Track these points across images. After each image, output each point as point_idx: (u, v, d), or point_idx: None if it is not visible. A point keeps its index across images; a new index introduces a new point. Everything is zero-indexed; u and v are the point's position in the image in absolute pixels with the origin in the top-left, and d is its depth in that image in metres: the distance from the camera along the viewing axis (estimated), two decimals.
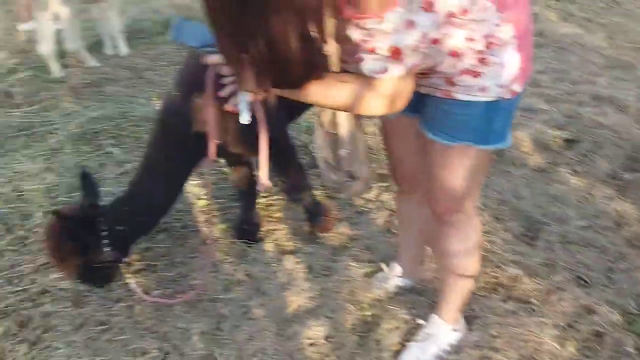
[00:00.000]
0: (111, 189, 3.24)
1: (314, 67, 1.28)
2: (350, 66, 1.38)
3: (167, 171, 2.37)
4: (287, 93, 1.42)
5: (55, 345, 2.29)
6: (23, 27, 6.40)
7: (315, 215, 2.75)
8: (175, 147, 2.30)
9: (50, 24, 4.97)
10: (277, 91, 1.41)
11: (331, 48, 1.36)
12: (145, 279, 2.62)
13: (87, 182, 2.38)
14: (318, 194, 3.08)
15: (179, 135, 2.25)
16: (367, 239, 2.73)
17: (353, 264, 2.57)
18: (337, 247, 2.72)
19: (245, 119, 1.76)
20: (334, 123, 1.97)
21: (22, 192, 3.33)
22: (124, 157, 3.61)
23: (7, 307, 2.50)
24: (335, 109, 1.58)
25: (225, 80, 1.56)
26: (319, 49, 1.24)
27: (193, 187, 3.24)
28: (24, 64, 5.33)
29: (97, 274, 2.37)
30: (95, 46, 5.83)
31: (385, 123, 1.93)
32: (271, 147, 2.11)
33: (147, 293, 2.45)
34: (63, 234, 2.20)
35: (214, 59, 1.55)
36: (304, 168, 2.74)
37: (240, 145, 2.32)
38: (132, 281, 2.41)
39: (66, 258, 2.23)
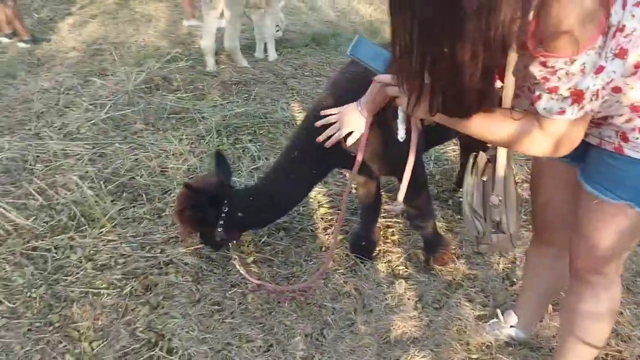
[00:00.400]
0: (242, 180, 3.44)
1: (488, 98, 1.28)
2: (522, 102, 1.36)
3: (299, 175, 2.47)
4: (450, 121, 1.42)
5: (172, 314, 2.46)
6: (188, 22, 7.07)
7: (433, 246, 2.71)
8: (315, 152, 2.38)
9: (215, 22, 5.40)
10: (440, 117, 1.42)
11: (508, 82, 1.36)
12: (260, 271, 2.73)
13: (221, 161, 2.62)
14: (441, 225, 3.04)
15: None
16: (484, 282, 2.64)
17: (466, 303, 2.50)
18: (451, 283, 2.65)
19: (401, 136, 1.81)
20: (487, 167, 1.93)
21: (165, 168, 3.63)
22: (258, 153, 3.80)
23: (136, 269, 2.73)
24: (494, 143, 1.56)
25: (395, 102, 1.60)
26: (495, 81, 1.24)
27: (317, 194, 3.34)
28: (184, 55, 5.82)
29: (207, 241, 2.65)
30: (247, 49, 6.24)
31: (539, 164, 1.87)
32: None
33: (258, 282, 2.56)
34: (188, 202, 2.45)
35: (384, 78, 1.60)
36: (432, 197, 2.72)
37: (383, 163, 2.37)
38: (241, 268, 2.58)
39: (184, 223, 2.50)
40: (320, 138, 2.20)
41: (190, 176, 3.52)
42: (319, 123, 2.22)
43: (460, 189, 3.00)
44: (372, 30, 7.25)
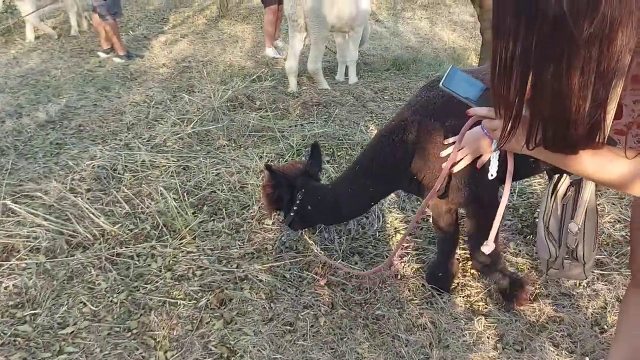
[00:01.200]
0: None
1: (596, 133, 1.19)
2: (629, 140, 1.27)
3: (359, 189, 2.54)
4: (551, 157, 1.33)
5: (245, 330, 2.46)
6: (270, 51, 7.17)
7: (507, 290, 2.55)
8: (376, 171, 2.47)
9: (300, 44, 5.51)
10: (539, 152, 1.33)
11: (610, 117, 1.27)
12: (333, 294, 2.70)
13: (315, 154, 2.79)
14: (524, 262, 2.89)
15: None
16: (570, 326, 2.47)
17: (551, 347, 2.35)
18: (535, 324, 2.50)
19: (492, 173, 1.73)
20: (569, 190, 1.82)
21: (245, 184, 3.69)
22: (335, 174, 3.80)
23: (212, 282, 2.77)
24: (603, 183, 1.45)
25: (493, 134, 1.53)
26: (604, 116, 1.16)
27: (394, 220, 3.28)
28: (268, 75, 5.96)
29: (286, 219, 2.75)
30: (328, 71, 6.32)
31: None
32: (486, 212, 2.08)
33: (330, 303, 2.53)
34: (271, 180, 2.66)
35: (480, 111, 1.55)
36: (501, 252, 2.61)
37: (460, 194, 2.29)
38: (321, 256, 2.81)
39: (264, 198, 2.73)
40: (447, 165, 2.16)
41: None
42: (444, 153, 2.20)
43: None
44: (454, 57, 7.16)
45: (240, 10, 9.74)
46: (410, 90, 5.57)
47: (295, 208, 2.62)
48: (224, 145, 4.30)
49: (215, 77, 6.01)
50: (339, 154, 4.12)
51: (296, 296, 2.67)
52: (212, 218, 3.36)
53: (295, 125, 4.66)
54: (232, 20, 9.09)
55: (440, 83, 1.59)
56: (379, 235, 3.13)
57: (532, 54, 1.07)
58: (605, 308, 2.58)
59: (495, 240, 2.41)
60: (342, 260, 2.91)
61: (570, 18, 0.96)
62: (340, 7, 5.40)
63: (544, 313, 2.56)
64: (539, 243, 2.03)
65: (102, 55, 7.17)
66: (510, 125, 1.25)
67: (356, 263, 2.92)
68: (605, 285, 2.70)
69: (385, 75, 6.32)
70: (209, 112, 4.73)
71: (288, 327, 2.50)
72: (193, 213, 3.39)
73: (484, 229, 2.31)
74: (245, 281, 2.77)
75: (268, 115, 4.85)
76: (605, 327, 2.47)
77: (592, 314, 2.56)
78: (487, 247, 1.90)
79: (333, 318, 2.54)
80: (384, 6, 10.47)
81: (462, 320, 2.51)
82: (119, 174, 3.85)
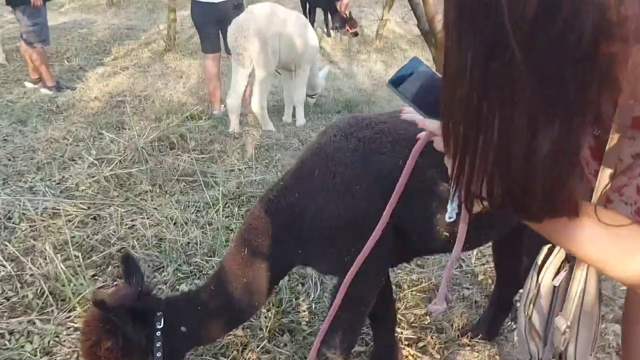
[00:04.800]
0: None
1: (571, 192, 0.78)
2: (620, 207, 0.86)
3: (261, 267, 1.88)
4: (519, 216, 0.89)
5: None
6: (216, 113, 6.08)
7: None
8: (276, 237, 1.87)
9: (244, 80, 5.06)
10: (506, 208, 0.89)
11: (601, 177, 0.91)
12: None
13: (131, 267, 1.86)
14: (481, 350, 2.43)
15: None
16: None
17: None
18: None
19: (449, 216, 1.26)
20: (563, 267, 1.36)
21: (162, 239, 3.13)
22: None
23: None
24: (580, 257, 1.01)
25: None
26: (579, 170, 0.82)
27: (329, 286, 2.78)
28: (206, 113, 5.47)
29: None
30: (275, 112, 5.88)
31: (636, 301, 1.30)
32: None
33: None
34: (103, 328, 1.67)
35: (430, 126, 1.08)
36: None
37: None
38: None
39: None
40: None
41: (188, 252, 3.01)
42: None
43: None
44: None
45: (189, 45, 9.29)
46: None
47: (158, 344, 1.74)
48: (147, 192, 3.74)
49: (150, 113, 5.47)
50: None
51: None
52: (115, 282, 2.77)
53: (232, 170, 4.15)
54: (179, 55, 8.61)
55: (389, 79, 1.12)
56: (315, 308, 2.61)
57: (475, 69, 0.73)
58: None
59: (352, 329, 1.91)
60: (268, 342, 2.37)
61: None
62: (287, 42, 5.00)
63: None
64: (518, 338, 1.55)
65: (29, 85, 6.53)
66: (464, 162, 0.84)
67: (285, 345, 2.39)
68: None
69: (335, 118, 5.92)
70: (132, 153, 4.17)
71: None
72: (93, 276, 2.80)
73: (344, 322, 1.85)
74: None
75: (202, 157, 4.34)
76: None
77: None
78: (436, 307, 1.39)
79: None
80: (338, 47, 10.23)
81: None
82: (13, 223, 3.23)
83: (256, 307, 2.04)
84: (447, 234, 1.80)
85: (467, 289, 2.82)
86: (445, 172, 0.95)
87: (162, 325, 1.74)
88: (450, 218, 1.24)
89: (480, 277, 2.93)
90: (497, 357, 2.33)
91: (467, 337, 2.42)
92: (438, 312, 1.35)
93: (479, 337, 2.42)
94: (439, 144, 1.06)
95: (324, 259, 1.88)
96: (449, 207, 1.23)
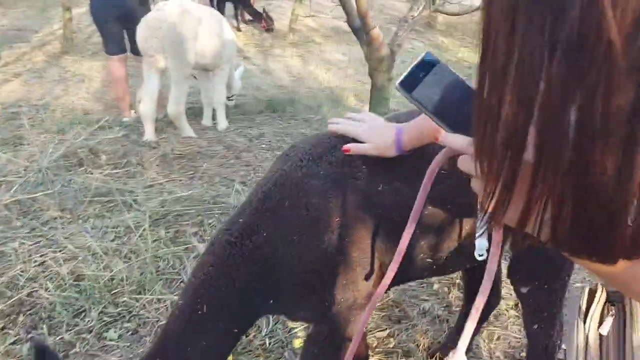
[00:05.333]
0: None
1: None
2: None
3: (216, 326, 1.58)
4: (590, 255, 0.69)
5: None
6: (126, 119, 5.58)
7: None
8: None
9: (157, 83, 4.64)
10: (575, 246, 0.68)
11: None
12: None
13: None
14: None
15: None
16: None
17: None
18: None
19: (479, 253, 1.04)
20: (607, 312, 1.18)
21: (81, 276, 2.72)
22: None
23: None
24: None
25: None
26: None
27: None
28: (115, 122, 4.99)
29: None
30: (193, 116, 5.48)
31: None
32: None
33: None
34: None
35: (455, 142, 0.85)
36: None
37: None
38: None
39: None
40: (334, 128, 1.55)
41: (113, 290, 2.62)
42: (333, 128, 1.56)
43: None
44: (333, 99, 6.67)
45: (88, 45, 8.56)
46: (291, 137, 4.91)
47: None
48: (55, 218, 3.27)
49: (51, 125, 4.89)
50: (209, 222, 3.29)
51: None
52: (29, 335, 2.35)
53: (152, 186, 3.76)
54: (77, 57, 7.89)
55: (398, 82, 0.85)
56: (270, 344, 2.34)
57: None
58: None
59: None
60: None
61: None
62: (203, 41, 4.63)
63: None
64: None
65: None
66: (497, 192, 0.65)
67: None
68: None
69: (259, 119, 5.63)
70: (35, 175, 3.66)
71: None
72: (2, 329, 2.36)
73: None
74: None
75: (117, 173, 3.90)
76: None
77: None
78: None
79: None
80: (251, 42, 9.87)
81: None
82: None
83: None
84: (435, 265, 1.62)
85: (425, 300, 2.66)
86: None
87: None
88: (480, 255, 1.02)
89: (436, 286, 2.78)
90: None
91: (436, 358, 2.26)
92: None
93: (449, 356, 2.26)
94: (465, 164, 0.82)
95: (302, 307, 1.62)
96: (477, 242, 1.01)
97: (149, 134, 4.69)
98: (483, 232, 1.02)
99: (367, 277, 1.58)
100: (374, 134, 1.49)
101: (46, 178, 3.62)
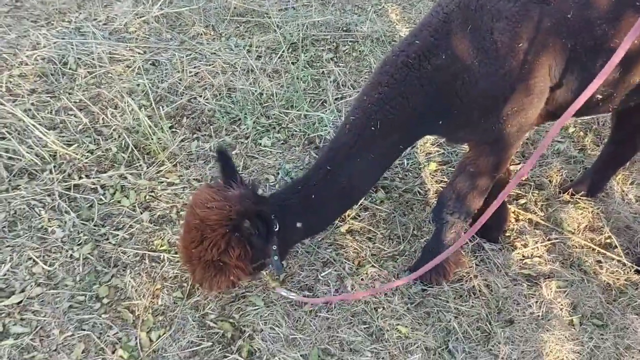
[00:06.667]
0: (330, 111, 2.76)
1: None
2: None
3: (374, 150, 1.76)
4: None
5: (252, 300, 1.91)
6: None
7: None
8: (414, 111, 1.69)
9: None
10: None
11: None
12: (359, 247, 2.14)
13: (226, 162, 1.73)
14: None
15: None
16: None
17: (636, 317, 1.89)
18: (610, 288, 2.03)
19: None
20: None
21: (233, 89, 2.95)
22: (343, 78, 3.08)
23: None
24: None
25: None
26: None
27: (425, 143, 2.66)
28: None
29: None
30: None
31: None
32: None
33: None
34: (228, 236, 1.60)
35: None
36: None
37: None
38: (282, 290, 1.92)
39: (234, 268, 1.67)
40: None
41: (264, 104, 2.85)
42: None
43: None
44: None
45: None
46: None
47: (275, 248, 1.68)
48: (201, 34, 3.46)
49: None
50: (344, 49, 3.36)
51: (313, 249, 2.10)
52: (194, 135, 2.66)
53: (287, 9, 3.80)
54: None
55: None
56: (407, 165, 2.52)
57: None
58: None
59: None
60: (365, 199, 2.32)
61: None
62: None
63: (615, 274, 2.08)
64: None
65: None
66: None
67: (381, 202, 2.34)
68: None
69: None
70: None
71: (307, 292, 1.96)
72: (170, 128, 2.68)
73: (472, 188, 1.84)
74: None
75: None
76: None
77: None
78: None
79: (362, 279, 2.00)
80: None
81: (523, 284, 2.01)
82: (70, 69, 3.03)
83: (374, 183, 1.94)
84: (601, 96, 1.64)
85: (560, 142, 2.70)
86: None
87: (277, 228, 1.65)
88: None
89: (571, 130, 2.78)
90: (601, 214, 2.29)
91: (569, 193, 2.36)
92: None
93: (581, 194, 2.35)
94: None
95: (470, 130, 1.72)
96: None
97: None
98: None
99: (537, 107, 1.64)
100: None
101: None
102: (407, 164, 2.52)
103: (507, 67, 1.53)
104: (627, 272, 2.06)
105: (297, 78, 3.04)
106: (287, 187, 1.80)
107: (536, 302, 1.93)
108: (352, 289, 1.96)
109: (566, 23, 1.49)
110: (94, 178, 2.33)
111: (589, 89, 1.26)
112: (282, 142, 2.65)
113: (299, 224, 1.72)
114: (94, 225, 2.13)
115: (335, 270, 2.02)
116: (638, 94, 1.69)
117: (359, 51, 3.34)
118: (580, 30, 1.50)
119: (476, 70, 1.55)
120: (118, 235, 2.10)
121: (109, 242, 2.07)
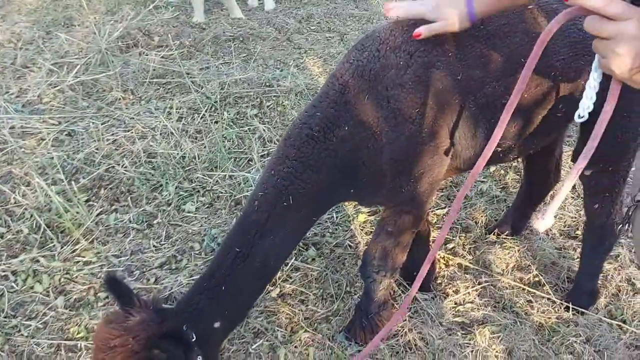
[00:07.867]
0: (256, 170, 2.71)
1: None
2: None
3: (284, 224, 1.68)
4: None
5: None
6: None
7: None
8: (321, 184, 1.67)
9: None
10: None
11: None
12: (291, 311, 2.07)
13: (117, 287, 1.45)
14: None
15: None
16: (586, 327, 2.02)
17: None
18: (543, 328, 2.04)
19: (582, 114, 1.04)
20: None
21: (153, 154, 2.87)
22: (268, 134, 3.06)
23: None
24: None
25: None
26: None
27: None
28: (165, 3, 4.91)
29: None
30: None
31: None
32: None
33: None
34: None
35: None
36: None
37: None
38: None
39: None
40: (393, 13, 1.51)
41: (187, 167, 2.78)
42: (393, 13, 1.52)
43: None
44: None
45: None
46: (340, 18, 4.80)
47: (199, 358, 1.48)
48: (119, 99, 3.38)
49: (99, 5, 4.86)
50: (268, 104, 3.35)
51: (243, 325, 2.01)
52: (113, 207, 2.55)
53: (208, 67, 3.79)
54: None
55: None
56: (337, 218, 2.49)
57: None
58: (618, 295, 2.16)
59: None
60: (295, 259, 2.26)
61: None
62: None
63: (546, 312, 2.09)
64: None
65: None
66: None
67: (313, 259, 2.29)
68: (611, 264, 2.27)
69: None
70: (94, 55, 3.72)
71: None
72: (86, 201, 2.56)
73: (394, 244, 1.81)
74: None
75: (172, 54, 3.92)
76: (625, 321, 2.05)
77: (605, 305, 2.12)
78: (543, 223, 1.16)
79: (295, 346, 1.92)
80: None
81: (457, 333, 1.99)
82: None
83: (288, 256, 1.90)
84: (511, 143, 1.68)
85: (482, 182, 2.75)
86: None
87: (194, 338, 1.49)
88: (581, 117, 1.03)
89: (492, 169, 2.85)
90: (528, 252, 2.32)
91: (494, 234, 2.39)
92: (544, 227, 1.15)
93: (506, 233, 2.38)
94: (594, 24, 0.85)
95: (380, 194, 1.72)
96: (582, 103, 1.01)
97: (199, 14, 4.63)
98: (592, 89, 1.00)
99: (444, 165, 1.65)
100: (442, 9, 1.43)
101: (106, 59, 3.68)
102: (336, 217, 2.50)
103: (408, 132, 1.55)
104: (558, 310, 2.07)
105: (222, 137, 2.99)
106: (192, 287, 1.63)
107: (471, 351, 1.90)
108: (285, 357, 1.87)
109: (458, 84, 1.52)
110: (4, 264, 2.18)
111: (491, 143, 1.26)
112: (207, 205, 2.57)
113: (216, 324, 1.57)
114: (5, 317, 1.97)
115: (267, 341, 1.93)
116: (531, 143, 1.75)
117: (283, 105, 3.34)
118: (471, 90, 1.54)
119: (379, 139, 1.56)
120: (30, 325, 1.94)
121: (21, 334, 1.91)
